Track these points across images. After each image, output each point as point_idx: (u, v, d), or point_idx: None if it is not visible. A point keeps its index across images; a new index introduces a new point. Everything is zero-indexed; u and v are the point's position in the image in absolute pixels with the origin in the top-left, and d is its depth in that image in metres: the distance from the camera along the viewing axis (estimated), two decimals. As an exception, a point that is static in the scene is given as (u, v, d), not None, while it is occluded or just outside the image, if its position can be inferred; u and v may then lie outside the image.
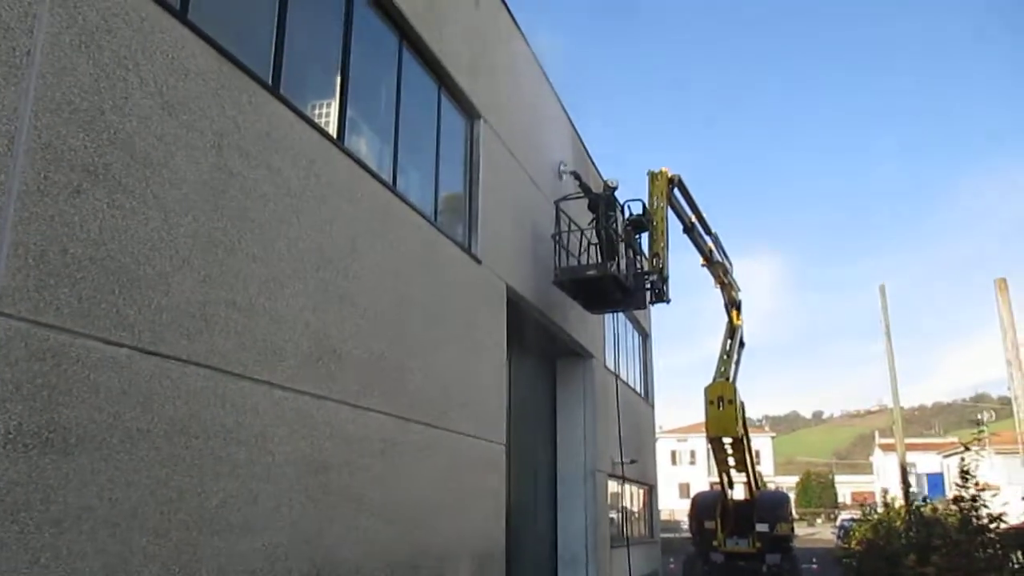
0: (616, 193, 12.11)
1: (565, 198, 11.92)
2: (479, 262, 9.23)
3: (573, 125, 14.44)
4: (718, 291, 17.86)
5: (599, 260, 11.73)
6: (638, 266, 12.87)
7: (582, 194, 12.21)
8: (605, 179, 12.73)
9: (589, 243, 12.21)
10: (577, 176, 12.39)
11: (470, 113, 9.59)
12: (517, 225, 10.81)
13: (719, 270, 17.27)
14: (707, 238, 16.42)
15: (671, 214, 14.51)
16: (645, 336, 20.68)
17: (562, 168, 12.93)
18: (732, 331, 18.16)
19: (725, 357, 17.51)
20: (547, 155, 12.54)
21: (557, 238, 11.25)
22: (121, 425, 4.15)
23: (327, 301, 6.05)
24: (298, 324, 5.64)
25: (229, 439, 4.84)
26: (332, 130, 6.48)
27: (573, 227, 11.80)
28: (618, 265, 11.37)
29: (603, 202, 11.66)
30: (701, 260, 16.88)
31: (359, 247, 6.60)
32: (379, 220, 6.99)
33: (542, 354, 13.74)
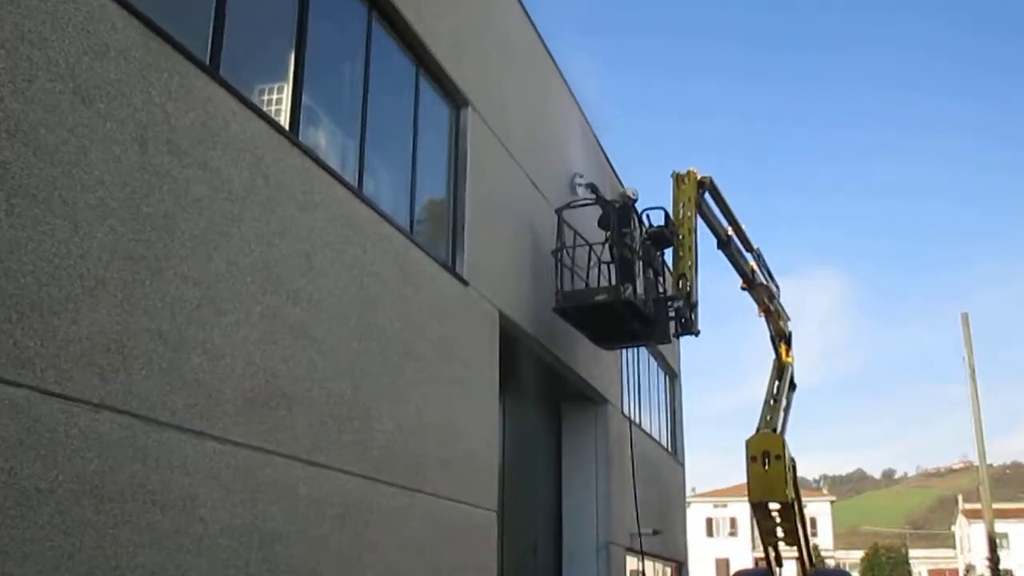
0: (635, 205, 12.28)
1: (569, 205, 12.04)
2: (465, 283, 9.27)
3: (589, 123, 14.61)
4: (762, 320, 17.95)
5: (611, 282, 11.83)
6: (660, 290, 12.96)
7: (592, 200, 12.34)
8: (623, 189, 12.91)
9: (599, 261, 12.35)
10: (595, 190, 12.59)
11: (455, 100, 9.68)
12: (514, 238, 10.89)
13: (762, 294, 17.35)
14: (747, 255, 16.55)
15: (701, 225, 14.65)
16: (672, 376, 20.72)
17: (577, 181, 13.11)
18: (780, 370, 18.19)
19: (772, 403, 17.52)
20: (553, 155, 12.69)
21: (559, 255, 11.35)
22: (17, 484, 4.05)
23: (275, 332, 6.04)
24: (238, 360, 5.58)
25: (151, 502, 4.74)
26: (284, 121, 6.52)
27: (579, 241, 11.96)
28: (635, 289, 11.47)
29: (616, 213, 11.77)
30: (740, 282, 16.98)
31: (316, 265, 6.62)
32: (341, 232, 7.02)
33: (544, 398, 13.72)
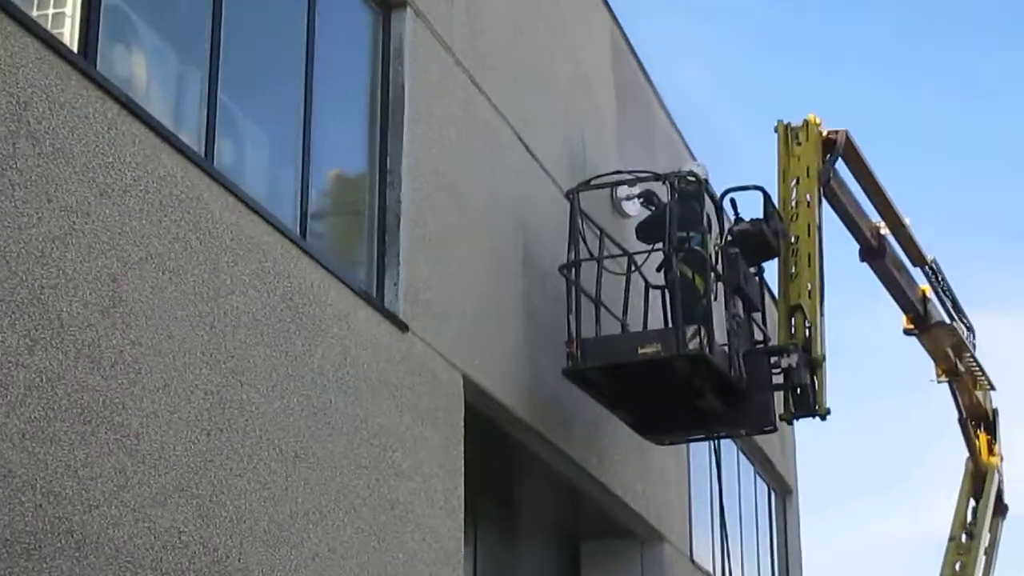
0: (707, 189, 12.45)
1: (591, 184, 12.21)
2: (403, 328, 9.38)
3: (634, 51, 14.84)
4: (942, 388, 17.96)
5: (667, 323, 11.87)
6: (761, 336, 13.04)
7: (630, 180, 12.59)
8: (691, 167, 13.13)
9: (646, 285, 12.35)
10: (651, 199, 12.83)
11: None
12: (491, 246, 11.00)
13: (943, 341, 17.41)
14: (912, 272, 16.71)
15: (829, 219, 14.76)
16: (784, 492, 20.82)
17: (624, 194, 13.51)
18: (979, 480, 18.20)
19: (964, 538, 17.49)
20: (565, 99, 12.83)
21: (573, 274, 11.57)
22: None
23: (51, 416, 6.12)
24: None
25: None
26: (70, 39, 6.65)
27: (610, 249, 12.06)
28: (710, 334, 11.53)
29: (676, 203, 11.94)
30: (903, 320, 17.02)
31: (126, 295, 6.67)
32: (175, 234, 7.09)
33: (551, 533, 13.78)
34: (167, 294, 6.97)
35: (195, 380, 7.11)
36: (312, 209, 8.91)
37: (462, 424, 10.04)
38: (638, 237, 12.72)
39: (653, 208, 12.76)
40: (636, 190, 13.28)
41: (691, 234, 11.89)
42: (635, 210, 13.43)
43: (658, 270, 12.22)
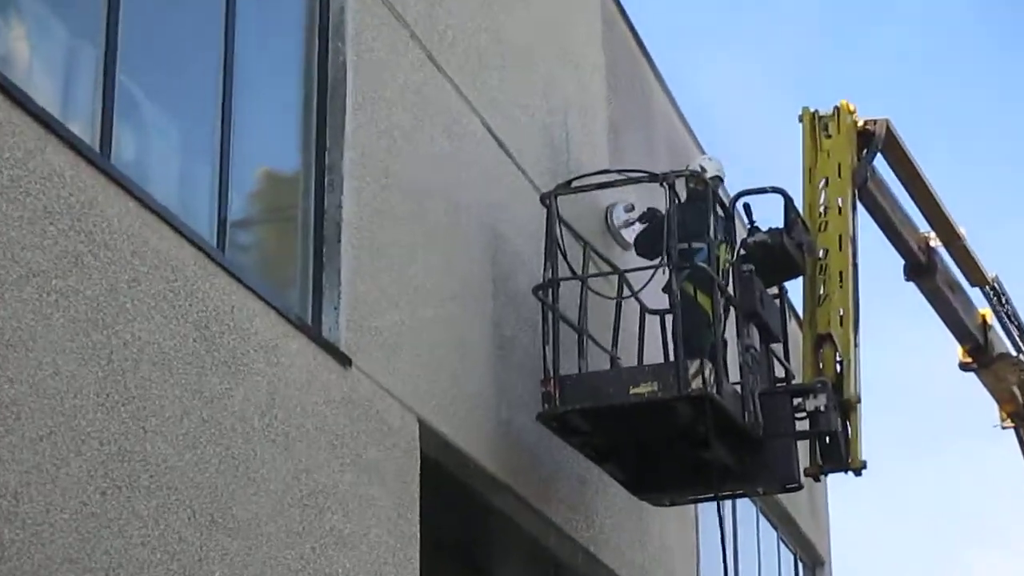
0: (720, 191, 12.73)
1: (571, 186, 12.28)
2: (345, 362, 9.42)
3: (631, 23, 15.00)
4: (1008, 434, 17.95)
5: (666, 356, 11.94)
6: (782, 373, 13.10)
7: (620, 180, 12.70)
8: (701, 162, 13.32)
9: (641, 310, 12.45)
10: (654, 218, 12.90)
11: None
12: (453, 261, 11.06)
13: (1008, 376, 17.48)
14: (968, 292, 16.78)
15: (867, 229, 14.84)
16: (815, 563, 20.94)
17: (621, 217, 13.64)
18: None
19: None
20: (544, 79, 12.97)
21: (550, 295, 11.67)
22: None
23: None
24: None
25: None
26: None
27: (596, 264, 12.20)
28: (718, 370, 11.62)
29: (679, 208, 11.98)
30: (959, 352, 17.01)
31: (1, 320, 6.61)
32: (62, 246, 7.05)
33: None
34: (53, 321, 6.92)
35: (87, 427, 7.05)
36: (233, 216, 8.91)
37: (418, 480, 10.05)
38: (637, 251, 12.73)
39: (650, 222, 12.88)
40: (636, 213, 13.39)
41: (696, 246, 11.97)
42: (629, 234, 13.54)
43: (664, 291, 12.21)
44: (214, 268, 8.24)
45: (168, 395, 7.69)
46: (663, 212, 12.49)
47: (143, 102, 8.31)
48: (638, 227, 13.36)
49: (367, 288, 9.73)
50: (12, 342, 6.65)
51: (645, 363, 12.34)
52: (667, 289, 11.91)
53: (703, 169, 12.86)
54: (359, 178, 9.81)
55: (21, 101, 6.87)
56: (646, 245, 12.69)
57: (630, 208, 13.47)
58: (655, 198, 12.77)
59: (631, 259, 12.75)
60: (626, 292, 12.51)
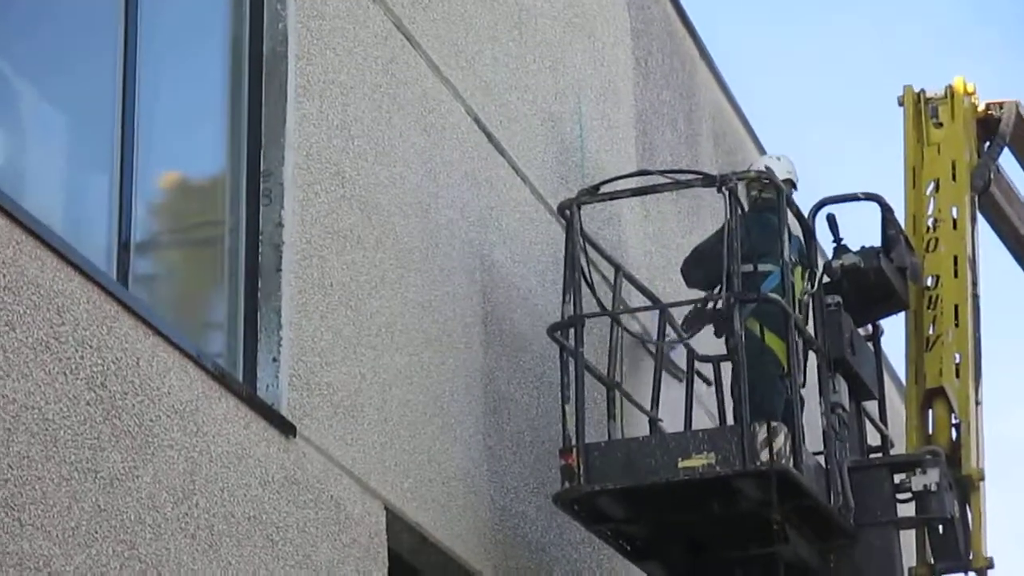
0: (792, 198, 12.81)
1: (597, 190, 12.36)
2: (289, 431, 9.47)
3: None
4: None
5: (723, 419, 12.26)
6: (879, 440, 13.36)
7: (664, 185, 12.79)
8: (759, 161, 13.64)
9: (690, 355, 12.66)
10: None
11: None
12: (430, 295, 11.12)
13: None
14: None
15: (991, 243, 14.97)
16: None
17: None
18: None
19: None
20: (551, 69, 13.13)
21: (571, 338, 11.71)
22: None
23: None
24: None
25: None
26: None
27: (629, 298, 12.40)
28: (793, 439, 11.68)
29: (740, 220, 12.10)
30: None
31: None
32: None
33: None
34: None
35: None
36: (137, 238, 8.95)
37: (385, 591, 10.10)
38: (685, 277, 12.81)
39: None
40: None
41: (763, 269, 12.14)
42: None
43: (717, 335, 12.33)
44: (113, 307, 8.23)
45: (52, 476, 7.64)
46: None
47: (18, 88, 8.35)
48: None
49: (316, 332, 9.78)
50: None
51: (696, 428, 12.40)
52: (725, 328, 12.10)
53: (770, 171, 12.88)
54: (305, 187, 9.88)
55: None
56: (697, 269, 12.82)
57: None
58: (703, 212, 12.81)
59: (677, 287, 12.74)
60: (670, 333, 12.64)
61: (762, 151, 16.13)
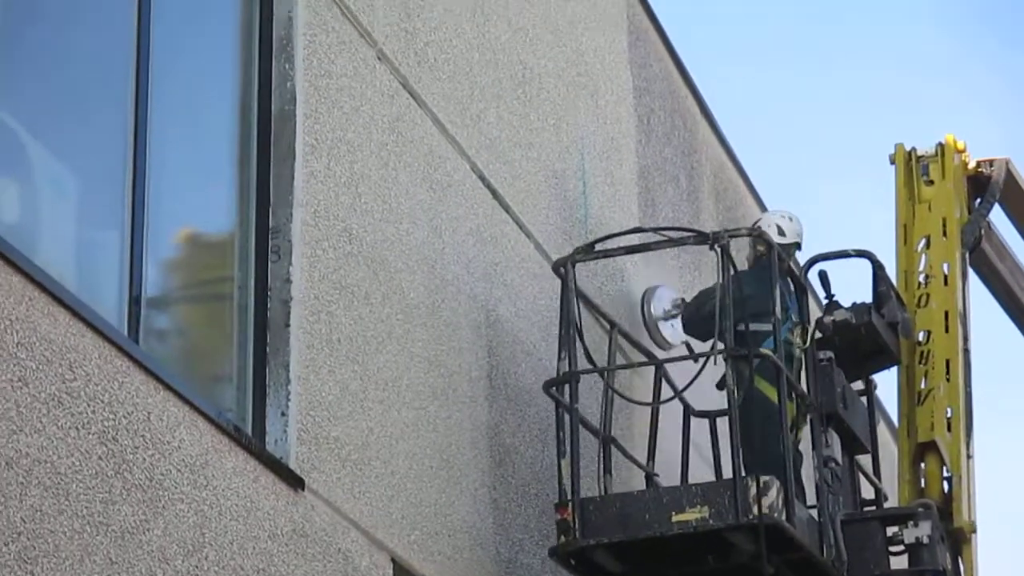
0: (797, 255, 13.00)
1: (592, 248, 12.30)
2: (297, 484, 9.44)
3: (677, 58, 15.28)
4: None
5: (718, 472, 12.19)
6: (871, 493, 13.33)
7: (660, 243, 12.76)
8: (763, 218, 13.54)
9: (685, 410, 12.56)
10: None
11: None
12: (435, 351, 11.12)
13: None
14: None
15: (982, 299, 14.88)
16: None
17: (657, 306, 13.74)
18: None
19: None
20: (555, 126, 13.11)
21: (566, 394, 11.76)
22: None
23: None
24: None
25: None
26: None
27: (625, 352, 12.36)
28: (787, 492, 11.64)
29: (734, 278, 12.03)
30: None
31: None
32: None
33: None
34: None
35: None
36: (148, 294, 8.94)
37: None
38: (685, 329, 12.75)
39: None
40: (674, 305, 13.46)
41: (753, 327, 12.08)
42: (671, 333, 13.59)
43: (719, 386, 12.27)
44: (124, 362, 8.21)
45: (64, 529, 7.63)
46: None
47: (29, 144, 8.32)
48: (669, 324, 13.52)
49: (324, 386, 9.76)
50: None
51: (691, 482, 12.36)
52: (722, 384, 12.03)
53: (780, 231, 12.89)
54: (313, 243, 9.87)
55: None
56: (698, 324, 12.76)
57: (679, 304, 13.50)
58: (704, 267, 12.77)
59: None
60: (666, 390, 12.55)
61: (763, 207, 16.12)
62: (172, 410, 8.54)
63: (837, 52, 52.57)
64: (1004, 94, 53.43)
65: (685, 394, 12.43)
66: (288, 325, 9.60)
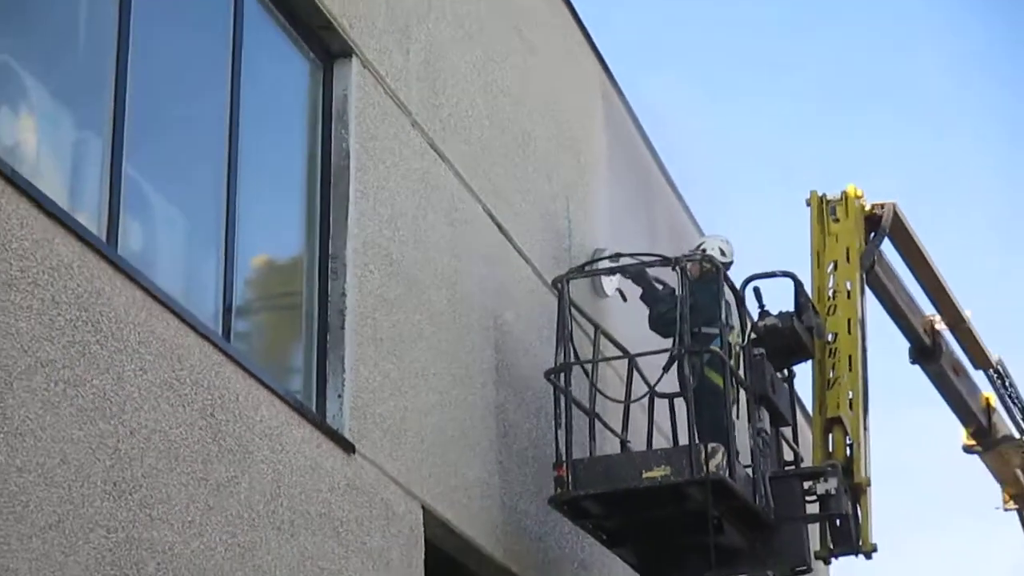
0: (728, 273, 12.81)
1: (584, 271, 12.46)
2: (350, 449, 9.47)
3: (631, 111, 15.25)
4: (1013, 514, 17.89)
5: (676, 440, 12.17)
6: (792, 456, 13.29)
7: (635, 265, 12.78)
8: (702, 241, 13.50)
9: (651, 394, 12.61)
10: (640, 277, 12.95)
11: (323, 43, 10.05)
12: (456, 348, 11.15)
13: (1012, 459, 17.48)
14: (972, 376, 16.90)
15: (876, 311, 14.96)
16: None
17: (603, 262, 13.61)
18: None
19: None
20: (548, 177, 13.18)
21: (562, 379, 11.80)
22: None
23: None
24: None
25: None
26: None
27: (606, 349, 12.25)
28: (730, 455, 11.70)
29: (688, 288, 12.06)
30: (963, 435, 17.06)
31: (10, 410, 6.66)
32: (69, 336, 7.12)
33: None
34: (61, 410, 6.97)
35: (95, 515, 7.09)
36: (237, 304, 9.00)
37: (422, 566, 10.11)
38: (651, 326, 12.77)
39: (645, 286, 12.93)
40: (611, 256, 13.37)
41: (704, 330, 12.13)
42: (610, 287, 13.58)
43: (665, 369, 12.34)
44: (219, 356, 8.31)
45: (174, 483, 7.72)
46: (667, 286, 12.79)
47: (148, 192, 8.40)
48: (616, 279, 13.49)
49: (370, 375, 9.79)
50: (21, 431, 6.69)
51: (655, 447, 12.45)
52: (678, 371, 12.07)
53: (722, 252, 12.96)
54: (362, 265, 9.90)
55: (29, 192, 6.92)
56: (660, 326, 12.71)
57: (615, 257, 13.29)
58: (668, 280, 12.85)
59: (639, 340, 12.72)
60: (637, 379, 12.61)
61: (701, 232, 16.11)
62: (255, 392, 8.61)
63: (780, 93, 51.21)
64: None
65: (645, 378, 12.57)
66: (343, 328, 9.64)
